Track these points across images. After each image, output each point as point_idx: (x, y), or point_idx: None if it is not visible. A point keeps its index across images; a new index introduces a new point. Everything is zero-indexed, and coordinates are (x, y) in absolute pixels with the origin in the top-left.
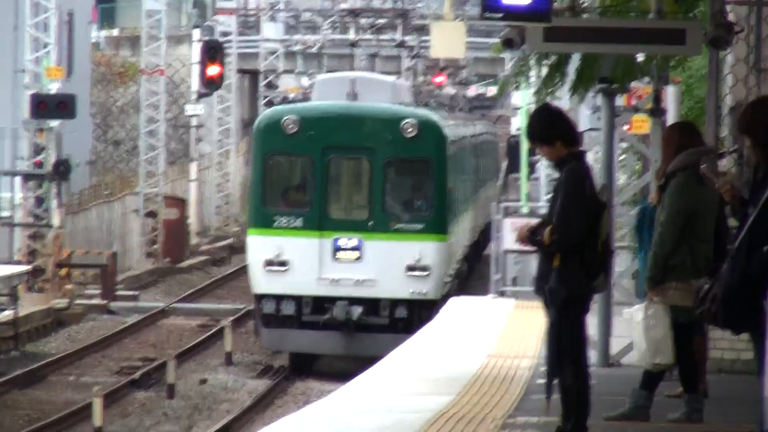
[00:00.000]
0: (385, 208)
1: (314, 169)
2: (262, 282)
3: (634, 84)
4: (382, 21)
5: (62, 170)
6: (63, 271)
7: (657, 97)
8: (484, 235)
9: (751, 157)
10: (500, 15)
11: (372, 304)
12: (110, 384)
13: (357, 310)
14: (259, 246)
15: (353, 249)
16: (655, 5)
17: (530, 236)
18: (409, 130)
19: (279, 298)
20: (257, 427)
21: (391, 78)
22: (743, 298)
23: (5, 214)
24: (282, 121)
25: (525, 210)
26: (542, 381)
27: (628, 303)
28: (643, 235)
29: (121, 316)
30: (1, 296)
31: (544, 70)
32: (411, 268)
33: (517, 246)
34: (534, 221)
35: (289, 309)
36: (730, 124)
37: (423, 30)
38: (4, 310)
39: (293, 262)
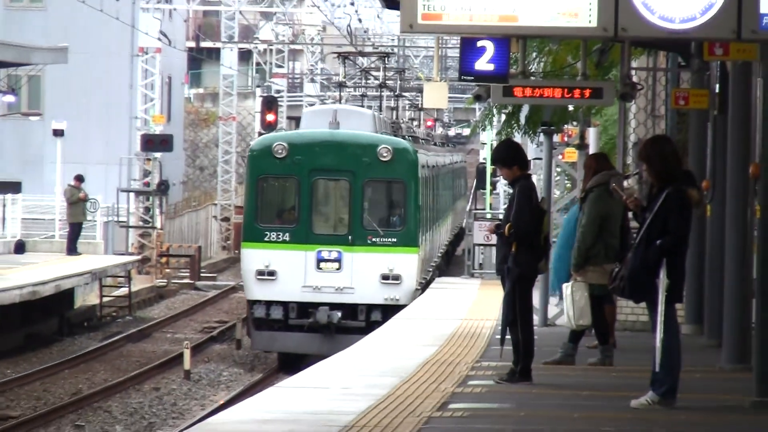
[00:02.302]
0: (363, 223)
1: (301, 190)
2: (253, 290)
3: (566, 126)
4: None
5: (163, 188)
6: (163, 260)
7: (582, 136)
8: (458, 236)
9: (648, 178)
10: (472, 78)
11: (350, 309)
12: (196, 339)
13: (337, 315)
14: (252, 258)
15: (334, 260)
16: (582, 70)
17: (495, 230)
18: (385, 154)
19: (268, 304)
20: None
21: (369, 110)
22: (642, 278)
23: (122, 219)
24: (272, 146)
25: (488, 216)
26: (499, 336)
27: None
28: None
29: (203, 291)
30: (119, 277)
31: (504, 117)
32: (385, 277)
33: (483, 241)
34: (495, 222)
35: (277, 314)
36: (633, 155)
37: (403, 73)
38: (121, 287)
39: (281, 272)
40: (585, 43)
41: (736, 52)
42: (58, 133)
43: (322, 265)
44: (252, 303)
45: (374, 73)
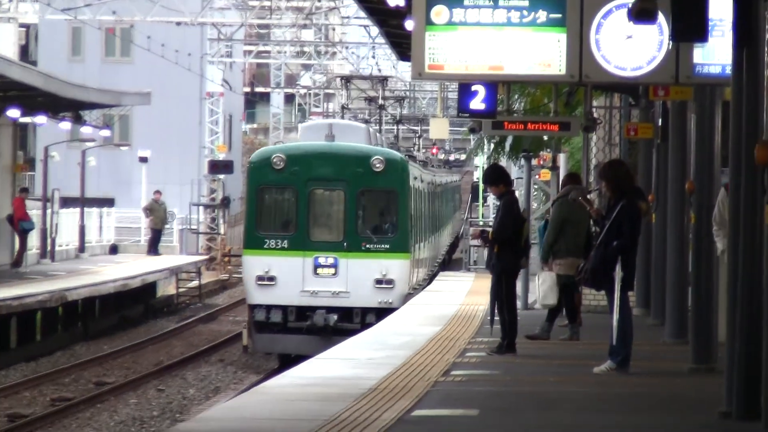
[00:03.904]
0: (357, 231)
1: (298, 199)
2: (254, 294)
3: (541, 152)
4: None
5: (225, 202)
6: (226, 259)
7: (554, 160)
8: (453, 245)
9: (606, 193)
10: (468, 114)
11: (346, 312)
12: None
13: (333, 318)
14: (252, 264)
15: (330, 266)
16: (553, 108)
17: (481, 234)
18: (377, 165)
19: (268, 308)
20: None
21: (363, 124)
22: (602, 272)
23: (194, 227)
24: (271, 158)
25: (481, 223)
26: (490, 317)
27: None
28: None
29: None
30: (192, 273)
31: (493, 145)
32: (378, 282)
33: (477, 242)
34: (480, 228)
35: (276, 317)
36: (595, 175)
37: (404, 101)
38: (193, 280)
39: (280, 277)
40: (556, 87)
41: (675, 93)
42: (143, 159)
43: (319, 270)
44: (252, 307)
45: (386, 106)
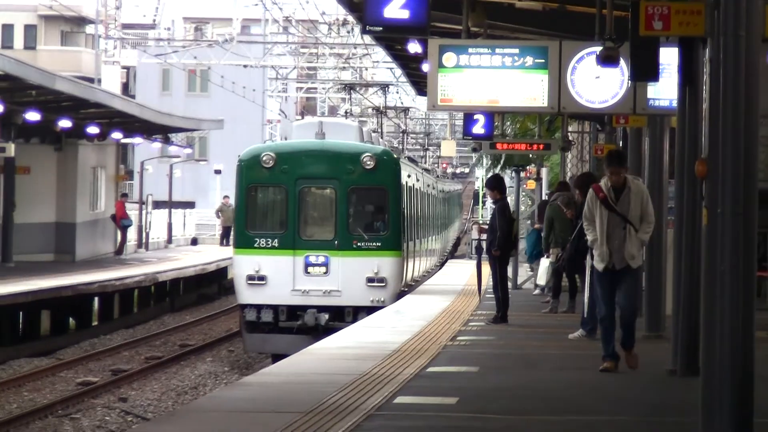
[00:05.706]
0: (348, 229)
1: (288, 197)
2: (244, 294)
3: (528, 167)
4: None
5: None
6: None
7: (538, 173)
8: (455, 245)
9: (579, 199)
10: (471, 137)
11: (338, 311)
12: None
13: (325, 317)
14: (243, 263)
15: (321, 265)
16: (538, 132)
17: (483, 229)
18: (368, 162)
19: (259, 308)
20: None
21: (354, 122)
22: (576, 260)
23: None
24: (261, 157)
25: (480, 221)
26: (488, 295)
27: (522, 262)
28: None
29: None
30: None
31: (490, 161)
32: (370, 280)
33: (476, 236)
34: (484, 226)
35: (267, 317)
36: (570, 184)
37: (407, 112)
38: None
39: (271, 276)
40: (540, 116)
41: (633, 121)
42: (217, 171)
43: (310, 269)
44: (243, 307)
45: (396, 122)
